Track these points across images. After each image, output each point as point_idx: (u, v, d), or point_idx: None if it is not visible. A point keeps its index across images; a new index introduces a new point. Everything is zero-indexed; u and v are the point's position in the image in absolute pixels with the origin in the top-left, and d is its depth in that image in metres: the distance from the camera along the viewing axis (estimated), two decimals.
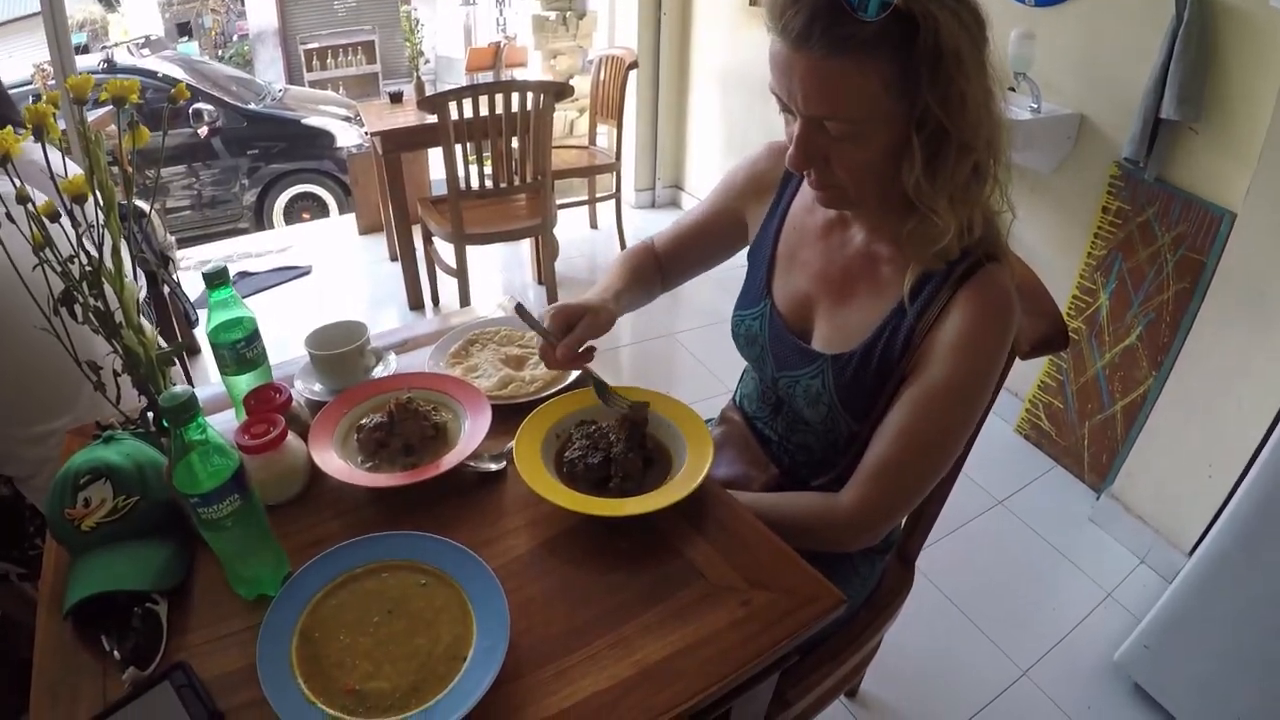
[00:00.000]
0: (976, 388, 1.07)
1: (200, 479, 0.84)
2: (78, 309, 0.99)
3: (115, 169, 1.02)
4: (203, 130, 6.63)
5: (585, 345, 1.14)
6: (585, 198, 4.64)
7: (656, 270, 1.42)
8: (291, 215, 6.96)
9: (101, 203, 0.98)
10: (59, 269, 0.96)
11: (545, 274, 3.67)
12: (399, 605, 0.87)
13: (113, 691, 0.83)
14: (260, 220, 6.96)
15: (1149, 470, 2.32)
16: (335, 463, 1.09)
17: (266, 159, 6.90)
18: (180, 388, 0.83)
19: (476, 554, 0.91)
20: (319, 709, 0.76)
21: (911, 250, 1.06)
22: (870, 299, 1.13)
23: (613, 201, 4.37)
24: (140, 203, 2.41)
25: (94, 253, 0.98)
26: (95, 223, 0.98)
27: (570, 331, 1.13)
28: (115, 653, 0.85)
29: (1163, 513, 2.29)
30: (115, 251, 1.00)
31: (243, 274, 4.36)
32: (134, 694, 0.80)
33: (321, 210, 6.93)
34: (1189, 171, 2.19)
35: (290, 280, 4.30)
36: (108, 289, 1.01)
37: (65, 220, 0.96)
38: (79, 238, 0.96)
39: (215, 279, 1.11)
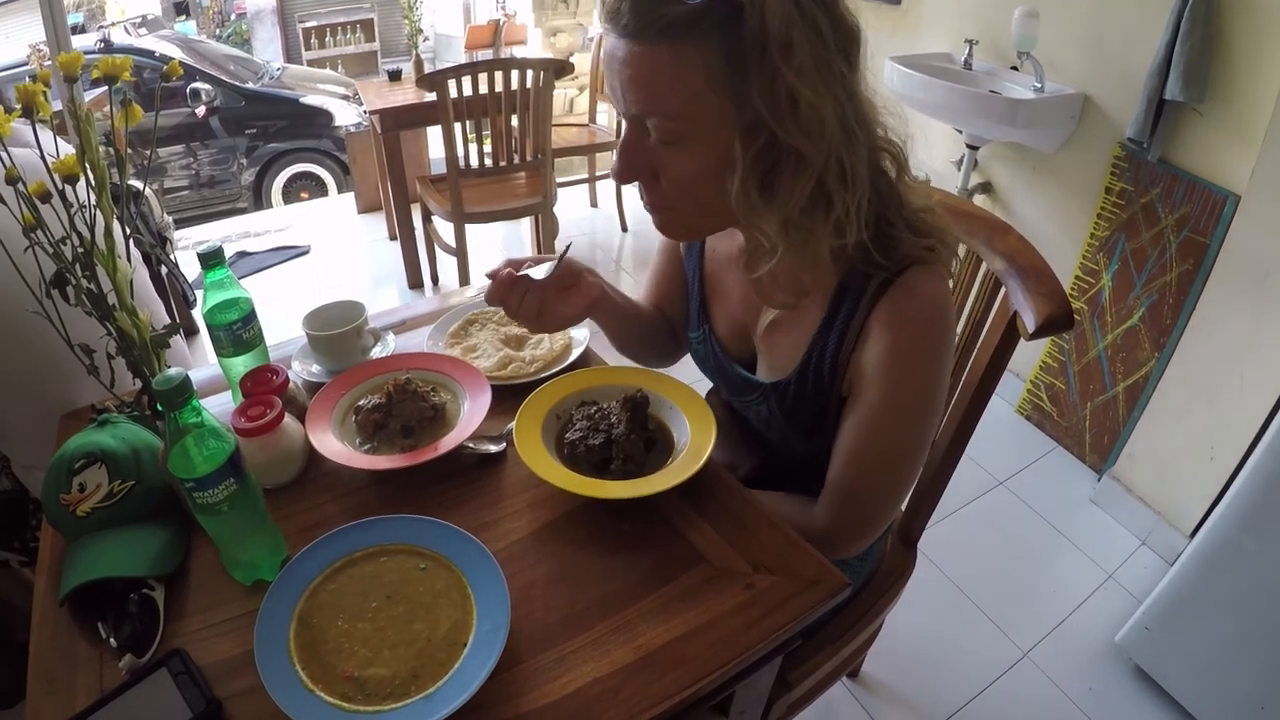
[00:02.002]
0: (918, 402, 1.00)
1: (195, 463, 0.83)
2: (70, 291, 0.97)
3: (110, 148, 1.00)
4: (200, 110, 6.58)
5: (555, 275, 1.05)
6: (585, 176, 4.61)
7: (661, 317, 1.36)
8: (290, 194, 6.92)
9: (93, 183, 0.96)
10: (51, 251, 0.95)
11: (545, 252, 3.63)
12: (398, 590, 0.85)
13: (109, 679, 0.82)
14: (259, 200, 6.92)
15: (1151, 452, 2.31)
16: (333, 445, 1.07)
17: (265, 138, 6.84)
18: (174, 370, 0.81)
19: (476, 537, 0.90)
20: (317, 697, 0.75)
21: (753, 284, 1.01)
22: (793, 326, 1.07)
23: (613, 180, 4.33)
24: (136, 183, 2.39)
25: (86, 234, 0.96)
26: (87, 203, 0.96)
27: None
28: (111, 640, 0.84)
29: (1164, 494, 2.29)
30: (107, 232, 0.98)
31: (241, 254, 4.34)
32: (131, 681, 0.79)
33: (320, 189, 6.89)
34: (1193, 153, 2.17)
35: (289, 260, 4.28)
36: (101, 271, 0.99)
37: (58, 201, 0.94)
38: (71, 219, 0.94)
39: (210, 259, 1.09)
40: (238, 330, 1.14)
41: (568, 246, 1.10)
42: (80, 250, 0.97)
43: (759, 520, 0.99)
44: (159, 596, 0.88)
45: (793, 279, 1.00)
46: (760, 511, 1.01)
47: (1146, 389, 2.35)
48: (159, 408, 0.84)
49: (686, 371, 1.26)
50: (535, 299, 1.04)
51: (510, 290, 1.04)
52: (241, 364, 1.17)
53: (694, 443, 1.06)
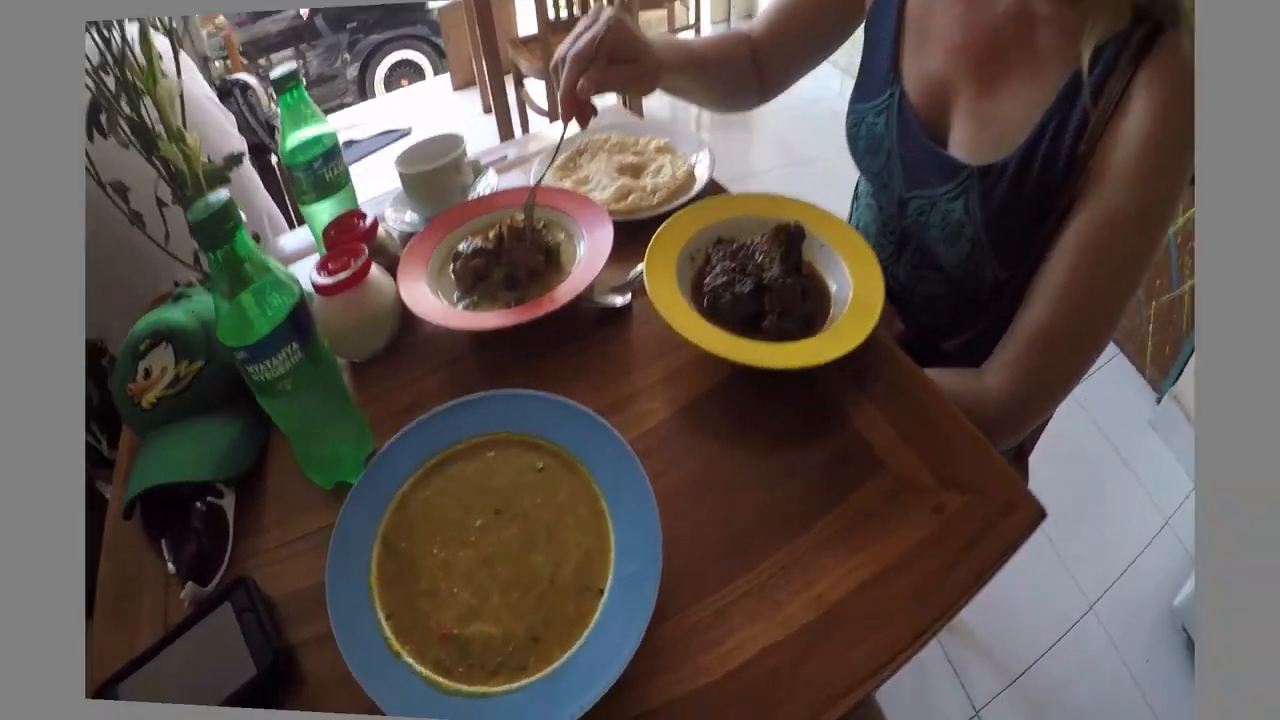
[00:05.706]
0: (1166, 209, 0.66)
1: (253, 325, 0.52)
2: (103, 120, 0.65)
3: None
4: (305, 10, 6.09)
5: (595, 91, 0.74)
6: (665, 31, 4.04)
7: (748, 58, 0.96)
8: (391, 84, 6.46)
9: None
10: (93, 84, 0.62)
11: (632, 103, 3.06)
12: (509, 501, 0.55)
13: (174, 608, 0.56)
14: (363, 92, 6.49)
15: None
16: (428, 301, 0.75)
17: (365, 30, 6.37)
18: (214, 195, 0.49)
19: (608, 423, 0.57)
20: (406, 664, 0.46)
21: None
22: (1025, 84, 0.71)
23: (691, 32, 3.75)
24: (246, 76, 2.08)
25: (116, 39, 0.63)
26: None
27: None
28: (171, 565, 0.57)
29: None
30: (143, 36, 0.65)
31: (349, 143, 4.00)
32: (192, 619, 0.53)
33: (418, 75, 6.43)
34: None
35: (392, 143, 3.92)
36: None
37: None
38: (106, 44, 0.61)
39: (285, 83, 0.77)
40: (318, 169, 0.82)
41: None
42: (116, 71, 0.64)
43: (941, 411, 0.63)
44: (228, 505, 0.61)
45: None
46: (936, 395, 0.65)
47: None
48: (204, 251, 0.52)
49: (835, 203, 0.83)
50: (570, 85, 0.73)
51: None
52: (325, 210, 0.86)
53: (859, 295, 0.70)
